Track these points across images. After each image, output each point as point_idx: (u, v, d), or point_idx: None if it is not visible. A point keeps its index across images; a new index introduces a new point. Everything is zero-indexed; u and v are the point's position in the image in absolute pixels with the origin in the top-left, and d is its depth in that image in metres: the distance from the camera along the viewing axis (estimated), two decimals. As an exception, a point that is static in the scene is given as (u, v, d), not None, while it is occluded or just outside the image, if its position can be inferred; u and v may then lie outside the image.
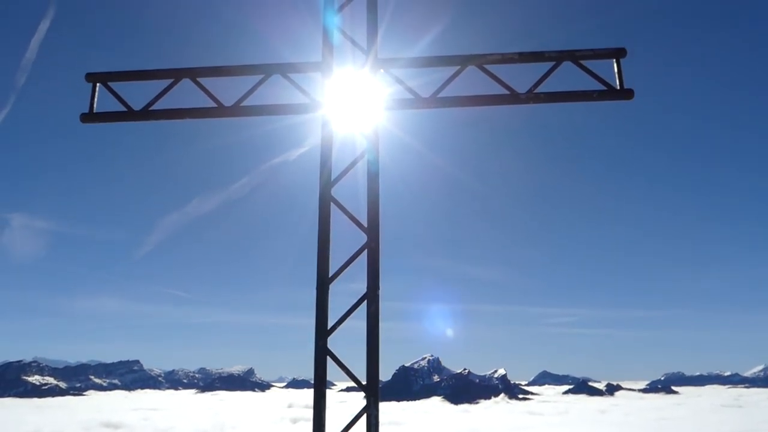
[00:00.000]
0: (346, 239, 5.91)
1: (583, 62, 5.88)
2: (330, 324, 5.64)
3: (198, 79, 6.14)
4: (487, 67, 5.89)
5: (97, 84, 6.28)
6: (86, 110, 6.22)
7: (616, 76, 5.81)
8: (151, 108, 6.14)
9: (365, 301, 5.62)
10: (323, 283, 5.67)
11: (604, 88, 5.80)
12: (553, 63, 5.86)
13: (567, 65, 5.95)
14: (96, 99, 6.23)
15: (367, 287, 5.66)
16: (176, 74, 6.17)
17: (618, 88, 5.80)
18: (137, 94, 6.39)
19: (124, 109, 6.22)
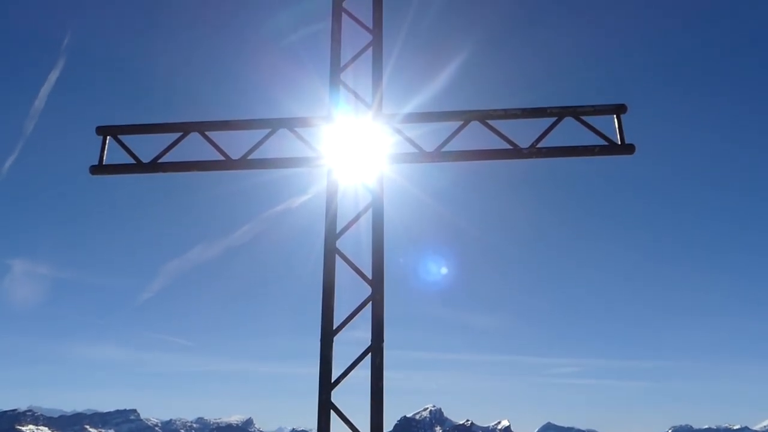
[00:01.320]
0: (350, 289, 5.93)
1: (584, 118, 6.00)
2: (333, 377, 5.61)
3: (206, 133, 6.26)
4: (490, 122, 6.01)
5: (108, 137, 6.40)
6: (93, 159, 6.33)
7: (617, 131, 5.91)
8: (159, 161, 6.25)
9: (369, 353, 5.59)
10: (327, 335, 5.66)
11: (606, 143, 5.90)
12: (555, 119, 5.98)
13: (569, 120, 6.07)
14: (106, 151, 6.34)
15: (372, 339, 5.65)
16: (185, 128, 6.30)
17: (619, 143, 5.89)
18: (145, 146, 6.51)
19: (133, 161, 6.32)
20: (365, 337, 5.78)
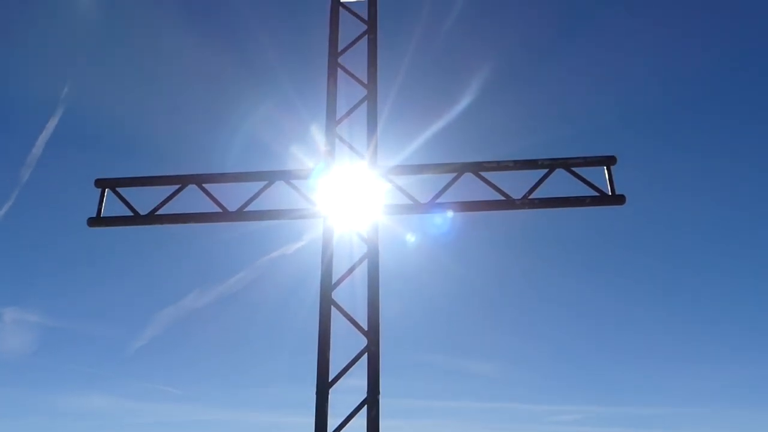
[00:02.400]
0: (345, 337, 5.93)
1: (575, 169, 6.13)
2: (329, 428, 5.56)
3: (203, 185, 6.35)
4: (483, 173, 6.13)
5: (106, 189, 6.48)
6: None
7: (608, 182, 6.03)
8: (157, 212, 6.31)
9: (365, 405, 5.56)
10: (323, 388, 5.63)
11: (597, 194, 6.01)
12: (546, 170, 6.10)
13: (560, 171, 6.20)
14: (104, 205, 6.41)
15: (368, 391, 5.62)
16: (183, 180, 6.39)
17: (610, 194, 6.00)
18: (142, 198, 6.59)
19: (131, 213, 6.38)
20: (361, 385, 5.76)
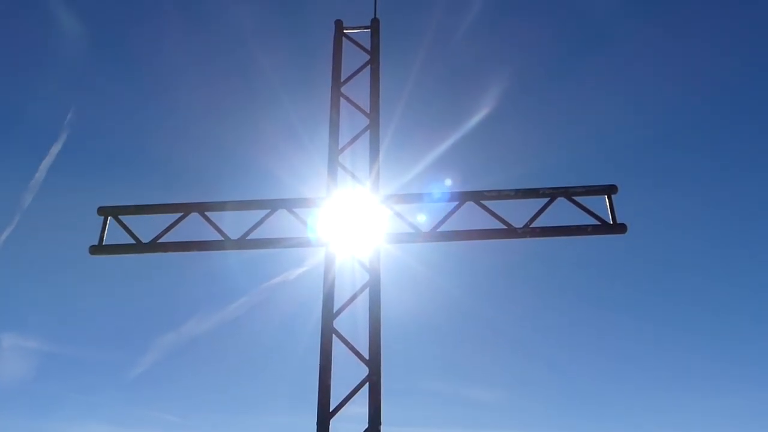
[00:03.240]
0: (346, 367, 5.90)
1: (576, 198, 6.15)
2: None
3: (206, 213, 6.37)
4: (484, 202, 6.15)
5: (108, 217, 6.50)
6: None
7: (609, 211, 6.05)
8: (159, 240, 6.33)
9: (366, 436, 5.51)
10: (324, 417, 5.59)
11: (598, 222, 6.03)
12: (547, 199, 6.12)
13: (561, 200, 6.22)
14: (106, 232, 6.42)
15: (369, 422, 5.57)
16: (185, 208, 6.41)
17: (611, 222, 6.01)
18: (144, 225, 6.61)
19: (133, 241, 6.40)
20: (362, 412, 5.71)
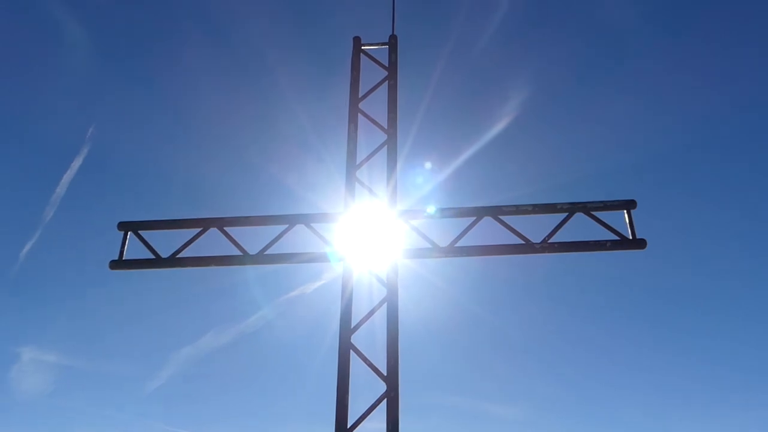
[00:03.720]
0: (364, 382, 5.89)
1: (594, 213, 6.11)
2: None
3: (225, 228, 6.42)
4: (502, 217, 6.14)
5: (128, 232, 6.57)
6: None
7: (628, 226, 6.00)
8: (178, 255, 6.38)
9: (384, 453, 5.48)
10: (341, 434, 5.56)
11: (617, 238, 5.98)
12: (566, 214, 6.09)
13: (579, 215, 6.18)
14: (126, 247, 6.49)
15: (387, 439, 5.54)
16: (204, 223, 6.47)
17: (630, 238, 5.97)
18: (163, 240, 6.67)
19: (153, 256, 6.46)
20: (380, 428, 5.68)
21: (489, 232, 6.25)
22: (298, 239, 6.47)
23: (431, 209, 6.21)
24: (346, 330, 5.85)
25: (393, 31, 7.17)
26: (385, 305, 5.95)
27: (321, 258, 6.23)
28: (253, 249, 6.36)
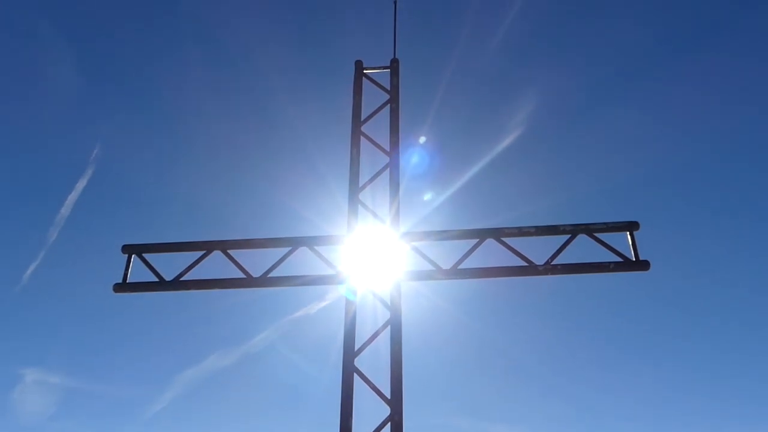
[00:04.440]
0: (368, 404, 5.86)
1: (597, 235, 6.12)
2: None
3: (228, 251, 6.44)
4: (504, 239, 6.15)
5: (132, 255, 6.59)
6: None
7: (631, 248, 6.00)
8: (182, 278, 6.40)
9: (388, 477, 5.45)
10: (345, 458, 5.53)
11: (620, 259, 5.98)
12: (568, 236, 6.10)
13: (582, 236, 6.19)
14: (130, 270, 6.51)
15: (390, 463, 5.51)
16: (208, 246, 6.49)
17: (633, 259, 5.96)
18: (167, 263, 6.69)
19: (156, 279, 6.47)
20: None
21: (492, 253, 6.26)
22: (301, 261, 6.49)
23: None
24: (350, 353, 5.84)
25: (395, 55, 7.25)
26: (388, 328, 5.94)
27: (325, 280, 6.24)
28: (256, 271, 6.38)
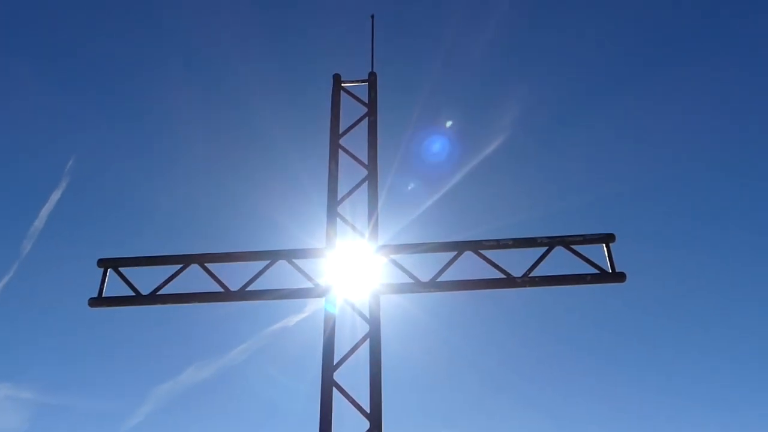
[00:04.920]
0: (347, 419, 5.83)
1: (574, 247, 6.18)
2: None
3: (206, 265, 6.39)
4: (483, 252, 6.18)
5: (108, 269, 6.51)
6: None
7: (607, 260, 6.08)
8: (159, 292, 6.33)
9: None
10: (324, 473, 5.49)
11: (597, 271, 6.05)
12: (546, 248, 6.16)
13: (559, 249, 6.24)
14: (106, 284, 6.42)
15: (369, 477, 5.48)
16: (186, 260, 6.43)
17: (610, 271, 6.03)
18: (143, 277, 6.61)
19: (132, 293, 6.40)
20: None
21: (470, 265, 6.29)
22: (279, 274, 6.45)
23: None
24: (329, 367, 5.81)
25: (372, 69, 7.29)
26: (367, 341, 5.93)
27: (303, 294, 6.22)
28: (234, 283, 6.33)
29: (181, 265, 6.41)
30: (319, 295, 6.18)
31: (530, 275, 6.06)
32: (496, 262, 6.16)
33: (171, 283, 6.42)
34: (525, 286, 6.03)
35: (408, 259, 6.32)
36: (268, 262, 6.35)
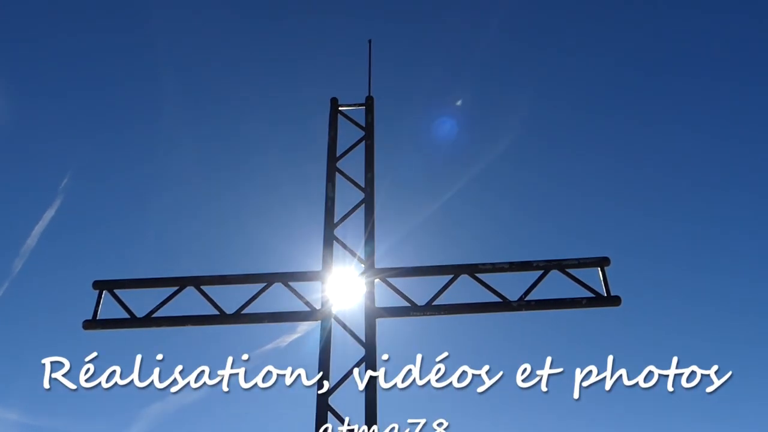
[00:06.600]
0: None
1: (569, 271, 6.20)
2: None
3: (202, 287, 6.38)
4: (479, 275, 6.20)
5: (103, 291, 6.48)
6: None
7: (602, 284, 6.09)
8: (154, 315, 6.30)
9: None
10: (319, 499, 5.44)
11: (592, 295, 6.06)
12: (541, 272, 6.18)
13: (555, 272, 6.27)
14: (100, 306, 6.39)
15: (365, 504, 5.43)
16: (181, 282, 6.42)
17: (605, 295, 6.05)
18: (138, 299, 6.58)
19: (127, 315, 6.37)
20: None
21: (467, 289, 6.30)
22: (275, 297, 6.44)
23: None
24: (324, 393, 5.78)
25: (369, 93, 7.35)
26: (363, 365, 5.91)
27: (299, 317, 6.21)
28: (230, 306, 6.32)
29: (176, 288, 6.39)
30: (315, 319, 6.17)
31: (526, 299, 6.08)
32: (493, 286, 6.17)
33: (166, 305, 6.39)
34: (521, 310, 6.04)
35: (404, 283, 6.32)
36: (264, 285, 6.34)
